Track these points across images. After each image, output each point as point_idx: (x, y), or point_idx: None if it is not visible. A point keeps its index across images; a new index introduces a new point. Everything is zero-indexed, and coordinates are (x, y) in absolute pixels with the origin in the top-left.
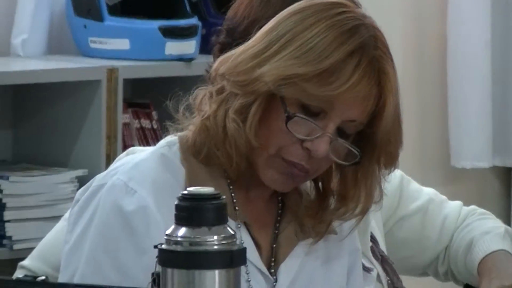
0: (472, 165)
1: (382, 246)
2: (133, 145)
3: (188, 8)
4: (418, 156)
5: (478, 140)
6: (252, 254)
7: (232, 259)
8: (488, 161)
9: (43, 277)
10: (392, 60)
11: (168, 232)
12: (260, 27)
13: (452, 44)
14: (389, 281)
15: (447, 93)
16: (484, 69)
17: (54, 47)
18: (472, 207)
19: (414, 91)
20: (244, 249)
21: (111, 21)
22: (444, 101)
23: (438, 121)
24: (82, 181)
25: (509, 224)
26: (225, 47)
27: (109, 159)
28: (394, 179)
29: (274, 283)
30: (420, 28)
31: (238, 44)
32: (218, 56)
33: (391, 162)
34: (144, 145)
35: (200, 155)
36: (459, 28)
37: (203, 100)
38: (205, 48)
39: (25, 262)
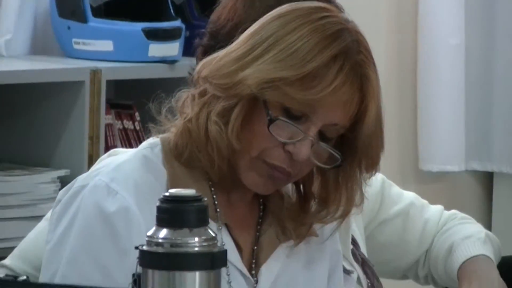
0: (439, 168)
1: (363, 249)
2: (115, 146)
3: (172, 10)
4: (387, 159)
5: (448, 143)
6: (233, 256)
7: (213, 261)
8: (459, 165)
9: (24, 277)
10: (374, 65)
11: (149, 233)
12: (244, 30)
13: (423, 46)
14: (370, 284)
15: (417, 96)
16: (457, 72)
17: (37, 48)
18: (453, 211)
19: (384, 93)
20: (225, 251)
21: (95, 23)
22: (414, 104)
23: (408, 123)
24: (64, 181)
25: (489, 229)
26: (208, 50)
27: (92, 160)
28: (376, 182)
29: (255, 285)
30: (391, 30)
31: (221, 47)
32: (201, 59)
33: (372, 166)
34: (126, 146)
35: (182, 157)
36: (430, 30)
37: (185, 103)
38: (188, 50)
39: (6, 261)
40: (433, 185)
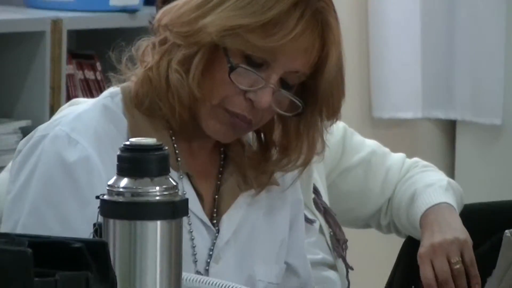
0: (391, 115)
1: (325, 198)
2: (77, 96)
3: None
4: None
5: (401, 90)
6: (195, 205)
7: (174, 210)
8: (415, 112)
9: None
10: (335, 12)
11: (110, 182)
12: None
13: None
14: (332, 233)
15: (368, 40)
16: (411, 12)
17: None
18: (415, 159)
19: None
20: (186, 200)
21: None
22: (366, 49)
23: (360, 69)
24: (25, 132)
25: (452, 177)
26: None
27: (53, 110)
28: (337, 131)
29: (217, 234)
30: None
31: None
32: (161, 7)
33: (333, 113)
34: (88, 96)
35: (143, 106)
36: None
37: (145, 51)
38: None
39: None
40: (389, 132)
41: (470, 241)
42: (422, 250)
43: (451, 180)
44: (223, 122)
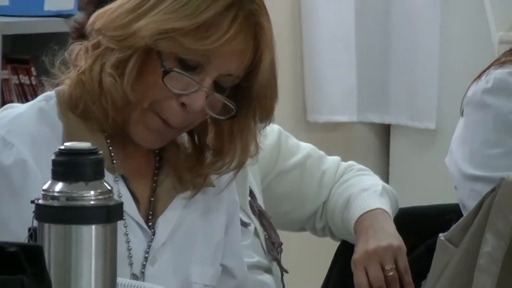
0: (326, 119)
1: (260, 201)
2: (12, 101)
3: None
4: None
5: (336, 94)
6: (130, 207)
7: (109, 214)
8: (350, 116)
9: None
10: (267, 14)
11: (45, 187)
12: None
13: None
14: (267, 236)
15: (302, 45)
16: (345, 16)
17: None
18: (350, 162)
19: None
20: (121, 204)
21: None
22: (300, 52)
23: (295, 73)
24: None
25: (387, 181)
26: (101, 2)
27: None
28: (272, 134)
29: (152, 236)
30: None
31: None
32: (93, 11)
33: (267, 116)
34: (23, 101)
35: (77, 109)
36: None
37: (78, 55)
38: None
39: None
40: (325, 135)
41: (404, 248)
42: (356, 256)
43: (385, 184)
44: (152, 128)
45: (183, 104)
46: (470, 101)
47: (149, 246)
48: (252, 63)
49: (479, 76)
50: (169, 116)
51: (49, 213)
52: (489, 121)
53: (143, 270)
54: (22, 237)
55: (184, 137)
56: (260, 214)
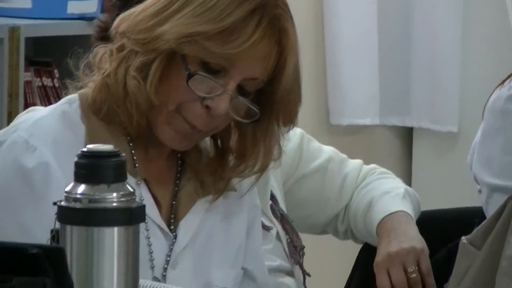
0: (349, 122)
1: (282, 204)
2: (34, 104)
3: None
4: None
5: (359, 97)
6: (152, 211)
7: (131, 216)
8: (372, 119)
9: None
10: (292, 19)
11: (67, 189)
12: None
13: None
14: (289, 240)
15: (325, 48)
16: (368, 21)
17: None
18: (372, 165)
19: None
20: (143, 206)
21: None
22: (322, 56)
23: (318, 76)
24: None
25: (409, 184)
26: (125, 5)
27: (11, 117)
28: (294, 137)
29: (174, 240)
30: None
31: (139, 2)
32: (118, 14)
33: (290, 120)
34: (45, 103)
35: (101, 112)
36: None
37: (103, 58)
38: None
39: None
40: (347, 139)
41: (426, 250)
42: (378, 258)
43: (408, 187)
44: (178, 130)
45: (207, 107)
46: (491, 106)
47: (170, 250)
48: (276, 67)
49: (503, 82)
50: (194, 118)
51: (71, 215)
52: (509, 128)
53: (164, 274)
54: (43, 240)
55: (207, 141)
56: (282, 218)
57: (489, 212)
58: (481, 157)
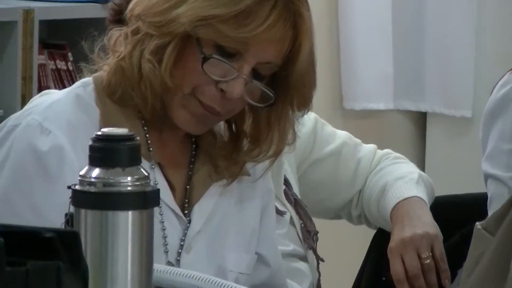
0: (362, 107)
1: (296, 189)
2: (48, 87)
3: None
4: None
5: (372, 82)
6: (166, 195)
7: (145, 200)
8: (386, 104)
9: None
10: (307, 3)
11: (81, 173)
12: None
13: None
14: (302, 224)
15: (339, 32)
16: (382, 4)
17: None
18: (386, 150)
19: None
20: (158, 190)
21: None
22: (336, 40)
23: (332, 61)
24: None
25: (423, 169)
26: None
27: (25, 100)
28: (308, 122)
29: (188, 224)
30: None
31: None
32: None
33: (304, 104)
34: (59, 86)
35: (115, 95)
36: None
37: (117, 41)
38: None
39: None
40: (361, 123)
41: (440, 236)
42: (392, 244)
43: (422, 172)
44: (194, 113)
45: (222, 91)
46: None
47: (184, 234)
48: (291, 51)
49: None
50: (209, 101)
51: (85, 198)
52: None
53: (178, 258)
54: (54, 222)
55: (221, 126)
56: (295, 203)
57: (489, 199)
58: (482, 142)
